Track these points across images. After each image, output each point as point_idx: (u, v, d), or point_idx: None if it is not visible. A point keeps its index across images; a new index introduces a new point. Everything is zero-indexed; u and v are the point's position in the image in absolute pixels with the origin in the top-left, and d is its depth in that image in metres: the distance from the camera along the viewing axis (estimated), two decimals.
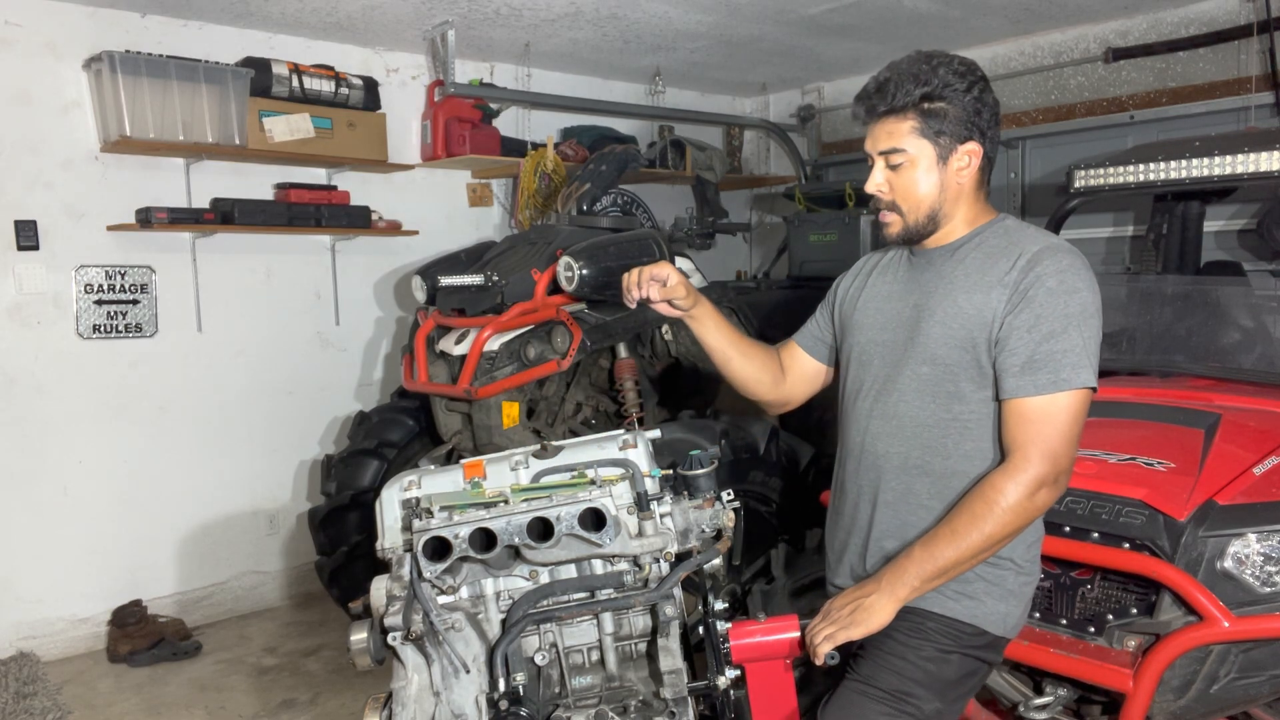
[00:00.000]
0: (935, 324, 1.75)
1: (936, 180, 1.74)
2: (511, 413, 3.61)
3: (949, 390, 1.74)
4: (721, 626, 1.64)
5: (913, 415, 1.77)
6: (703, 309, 1.91)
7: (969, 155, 1.74)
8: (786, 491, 3.57)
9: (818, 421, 3.89)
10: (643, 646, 1.64)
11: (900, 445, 1.79)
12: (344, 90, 4.53)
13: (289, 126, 4.34)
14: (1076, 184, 3.19)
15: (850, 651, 1.78)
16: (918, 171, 1.74)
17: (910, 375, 1.78)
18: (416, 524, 1.50)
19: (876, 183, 1.79)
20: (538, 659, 1.59)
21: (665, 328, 3.88)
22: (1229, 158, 2.85)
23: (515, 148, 5.03)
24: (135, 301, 4.25)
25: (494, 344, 3.53)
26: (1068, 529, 2.22)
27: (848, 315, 1.96)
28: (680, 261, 3.97)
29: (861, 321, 1.91)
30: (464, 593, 1.60)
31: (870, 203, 1.83)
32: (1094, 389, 1.67)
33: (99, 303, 4.16)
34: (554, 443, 1.71)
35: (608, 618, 1.60)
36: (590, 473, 1.62)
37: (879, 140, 1.76)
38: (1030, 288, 1.66)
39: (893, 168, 1.75)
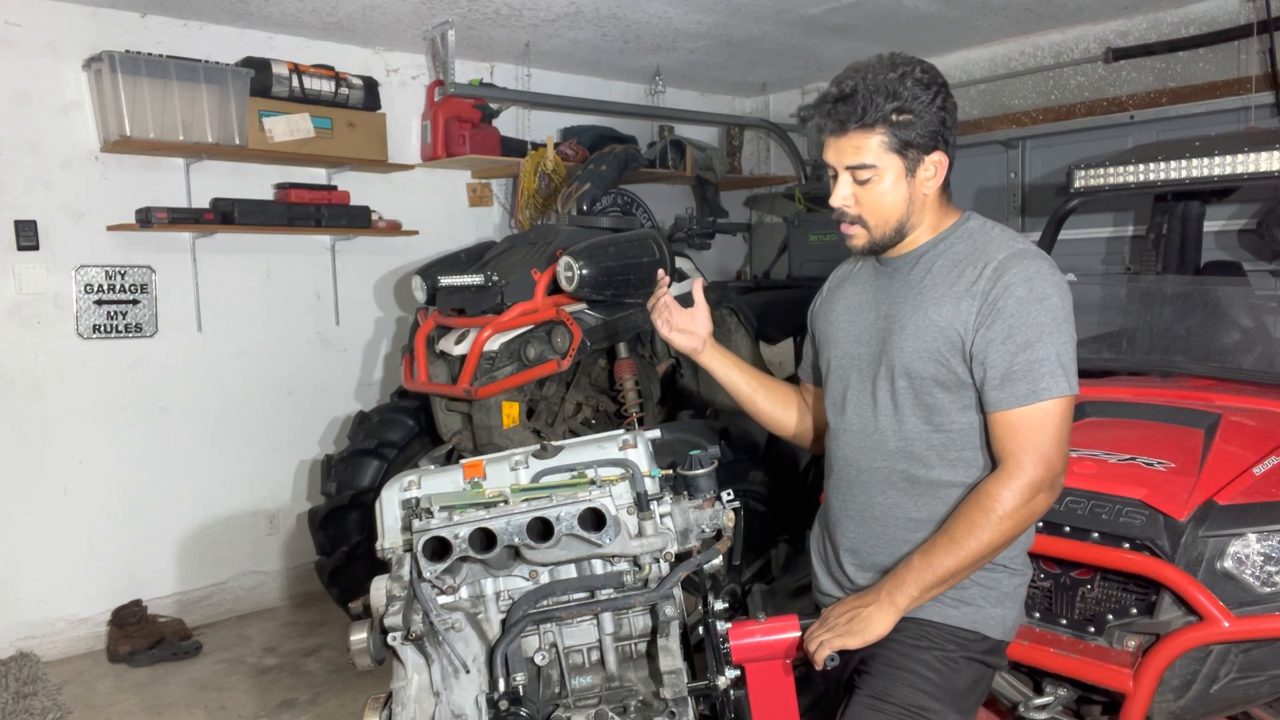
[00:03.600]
0: (907, 337, 1.73)
1: (904, 193, 1.71)
2: (511, 413, 3.61)
3: (927, 403, 1.73)
4: (721, 626, 1.64)
5: (894, 429, 1.76)
6: (710, 349, 1.97)
7: (935, 166, 1.71)
8: (786, 491, 3.57)
9: None
10: (643, 646, 1.64)
11: (884, 460, 1.78)
12: (344, 90, 4.53)
13: (289, 126, 4.34)
14: (1076, 184, 3.19)
15: (852, 665, 1.78)
16: (885, 185, 1.70)
17: (887, 389, 1.76)
18: (416, 524, 1.50)
19: (843, 196, 1.73)
20: (538, 659, 1.59)
21: None
22: (1229, 158, 2.85)
23: (515, 148, 5.03)
24: (135, 301, 4.25)
25: (494, 344, 3.53)
26: (1068, 529, 2.22)
27: (823, 331, 1.95)
28: (680, 261, 3.97)
29: (836, 335, 1.90)
30: (464, 593, 1.60)
31: (834, 213, 1.79)
32: (1074, 394, 1.65)
33: (99, 303, 4.16)
34: (554, 443, 1.71)
35: (608, 618, 1.60)
36: (590, 473, 1.62)
37: (845, 154, 1.70)
38: (1000, 298, 1.64)
39: (860, 182, 1.71)
